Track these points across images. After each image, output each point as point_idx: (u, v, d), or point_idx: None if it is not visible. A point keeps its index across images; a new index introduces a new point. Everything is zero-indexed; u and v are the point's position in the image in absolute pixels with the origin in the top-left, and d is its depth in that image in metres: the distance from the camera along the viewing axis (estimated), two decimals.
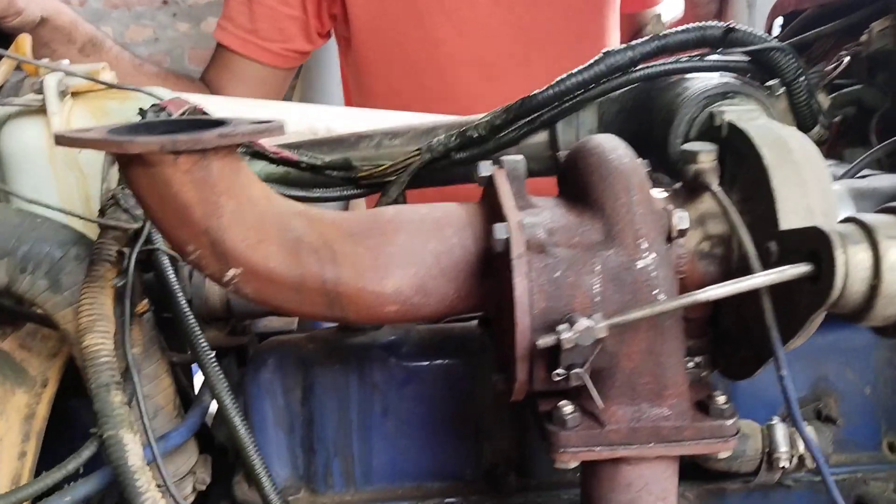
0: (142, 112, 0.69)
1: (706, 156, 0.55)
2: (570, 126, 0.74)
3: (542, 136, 0.75)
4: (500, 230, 0.48)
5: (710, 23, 0.71)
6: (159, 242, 0.64)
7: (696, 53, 0.72)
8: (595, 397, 0.48)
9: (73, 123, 0.73)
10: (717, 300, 0.48)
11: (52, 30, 1.07)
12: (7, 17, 0.96)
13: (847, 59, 0.77)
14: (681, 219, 0.51)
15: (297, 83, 1.74)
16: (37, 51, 0.83)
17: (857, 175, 0.72)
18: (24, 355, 0.72)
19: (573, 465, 0.52)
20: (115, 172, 0.68)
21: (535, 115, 0.73)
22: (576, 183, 0.54)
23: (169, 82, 1.18)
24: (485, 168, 0.55)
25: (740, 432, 0.57)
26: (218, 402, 0.61)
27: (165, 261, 0.64)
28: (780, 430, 0.67)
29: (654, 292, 0.49)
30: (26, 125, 0.73)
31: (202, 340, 0.62)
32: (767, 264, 0.49)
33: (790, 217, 0.51)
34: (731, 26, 0.70)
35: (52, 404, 0.69)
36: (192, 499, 0.67)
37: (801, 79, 0.69)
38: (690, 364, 0.56)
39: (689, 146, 0.56)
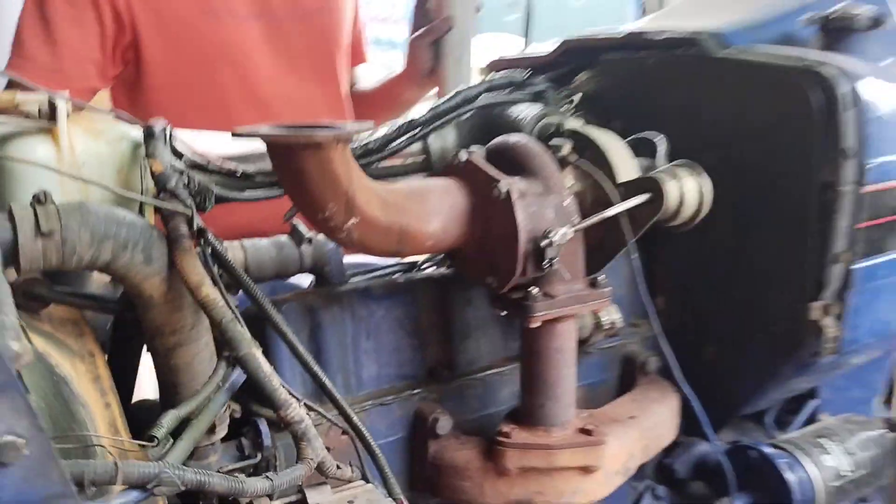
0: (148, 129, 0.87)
1: (567, 146, 0.96)
2: (438, 139, 1.09)
3: (417, 146, 1.09)
4: (503, 185, 0.83)
5: (514, 73, 1.13)
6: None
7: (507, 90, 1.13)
8: (565, 274, 0.86)
9: (74, 139, 0.88)
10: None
11: None
12: None
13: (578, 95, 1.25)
14: (569, 179, 0.91)
15: None
16: None
17: None
18: (61, 335, 0.84)
19: (537, 325, 0.88)
20: (148, 176, 0.85)
21: (415, 131, 1.07)
22: (511, 162, 0.90)
23: None
24: (463, 154, 0.88)
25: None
26: (283, 338, 0.84)
27: (212, 237, 0.84)
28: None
29: (573, 218, 0.88)
30: (36, 141, 0.85)
31: (259, 292, 0.84)
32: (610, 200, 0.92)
33: (622, 174, 0.94)
34: (526, 77, 1.13)
35: (108, 369, 0.83)
36: None
37: (565, 104, 1.14)
38: None
39: (554, 142, 0.96)
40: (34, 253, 0.71)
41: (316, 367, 0.82)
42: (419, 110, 1.08)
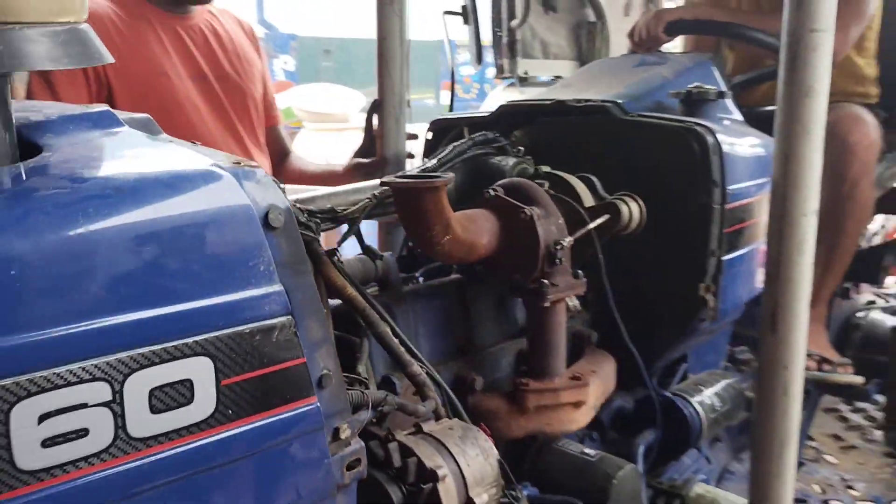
0: None
1: (546, 184, 1.39)
2: None
3: None
4: (528, 211, 1.25)
5: (488, 134, 1.55)
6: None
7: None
8: (569, 268, 1.28)
9: None
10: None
11: None
12: None
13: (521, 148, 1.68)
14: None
15: None
16: None
17: None
18: None
19: (547, 304, 1.29)
20: None
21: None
22: (521, 195, 1.32)
23: None
24: (491, 191, 1.29)
25: None
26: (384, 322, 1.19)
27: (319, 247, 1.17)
28: None
29: (565, 232, 1.31)
30: None
31: (366, 292, 1.19)
32: (586, 220, 1.36)
33: (586, 202, 1.39)
34: (496, 136, 1.55)
35: None
36: None
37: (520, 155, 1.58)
38: None
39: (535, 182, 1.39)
40: None
41: (409, 342, 1.19)
42: (426, 159, 1.47)
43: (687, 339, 1.67)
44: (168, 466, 0.74)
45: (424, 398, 1.13)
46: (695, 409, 1.68)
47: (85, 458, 0.68)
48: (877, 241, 3.10)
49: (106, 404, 0.69)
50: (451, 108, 2.30)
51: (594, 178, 1.49)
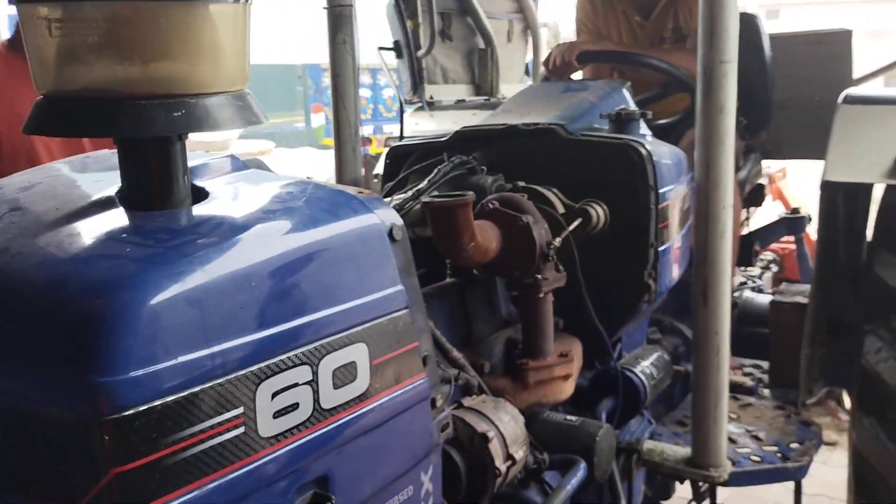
0: None
1: (525, 196, 1.66)
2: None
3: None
4: (525, 219, 1.51)
5: (462, 157, 1.80)
6: None
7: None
8: (558, 265, 1.55)
9: None
10: None
11: None
12: None
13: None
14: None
15: None
16: None
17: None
18: None
19: (542, 296, 1.56)
20: None
21: (423, 194, 1.69)
22: (513, 206, 1.58)
23: None
24: (489, 205, 1.54)
25: None
26: None
27: None
28: None
29: (550, 236, 1.58)
30: None
31: None
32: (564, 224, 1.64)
33: (559, 209, 1.67)
34: (468, 158, 1.81)
35: None
36: None
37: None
38: None
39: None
40: None
41: (439, 334, 1.42)
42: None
43: (634, 320, 1.98)
44: (344, 430, 0.94)
45: (465, 375, 1.36)
46: (640, 378, 2.00)
47: (297, 426, 0.88)
48: (746, 230, 3.59)
49: (308, 383, 0.89)
50: (401, 136, 2.54)
51: (556, 190, 1.78)
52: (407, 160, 2.08)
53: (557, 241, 1.55)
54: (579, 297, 1.73)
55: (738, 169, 2.90)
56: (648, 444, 1.99)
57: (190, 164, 1.04)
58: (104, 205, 0.92)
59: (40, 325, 0.75)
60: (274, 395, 0.85)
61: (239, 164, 1.07)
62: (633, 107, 2.17)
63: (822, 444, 2.60)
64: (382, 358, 1.00)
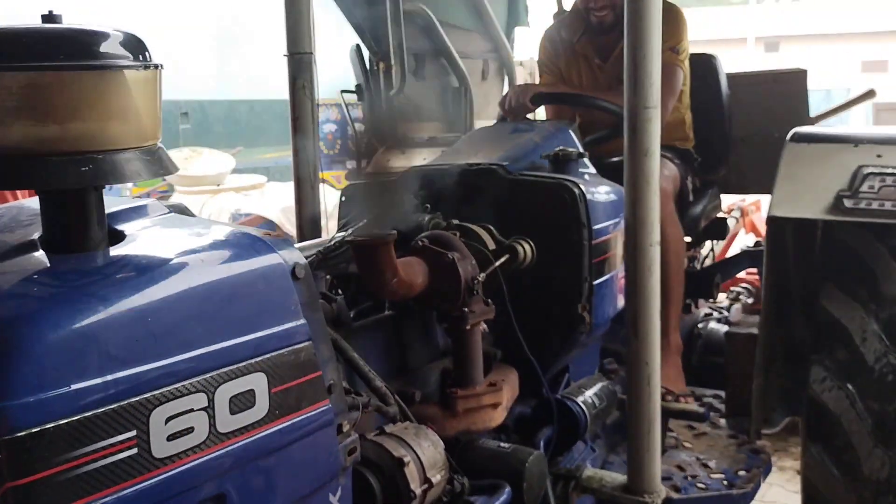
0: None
1: (457, 233, 1.76)
2: None
3: None
4: (450, 255, 1.61)
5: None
6: None
7: None
8: (482, 298, 1.65)
9: None
10: None
11: None
12: None
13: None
14: None
15: None
16: None
17: None
18: None
19: (468, 327, 1.65)
20: None
21: None
22: (441, 243, 1.68)
23: None
24: (419, 242, 1.64)
25: None
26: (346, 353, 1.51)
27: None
28: None
29: (477, 271, 1.68)
30: None
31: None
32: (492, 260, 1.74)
33: (490, 245, 1.77)
34: (409, 200, 1.91)
35: None
36: None
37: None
38: None
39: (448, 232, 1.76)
40: None
41: (367, 367, 1.52)
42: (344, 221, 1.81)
43: (570, 351, 2.07)
44: (241, 453, 1.04)
45: (387, 405, 1.46)
46: (581, 407, 2.08)
47: (192, 448, 0.98)
48: (708, 262, 3.68)
49: (203, 409, 0.99)
50: (358, 175, 2.67)
51: (491, 227, 1.88)
52: (361, 198, 2.19)
53: (482, 276, 1.65)
54: (511, 329, 1.82)
55: (690, 204, 3.00)
56: (588, 472, 2.07)
57: (115, 209, 1.15)
58: (26, 248, 1.03)
59: None
60: (168, 419, 0.95)
61: (160, 209, 1.18)
62: (577, 146, 2.28)
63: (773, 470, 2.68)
64: (282, 386, 1.09)
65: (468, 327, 1.66)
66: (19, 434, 0.81)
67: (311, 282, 1.15)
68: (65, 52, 0.94)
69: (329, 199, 2.49)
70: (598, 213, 1.99)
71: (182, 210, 1.22)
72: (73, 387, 0.86)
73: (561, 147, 2.12)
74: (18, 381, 0.82)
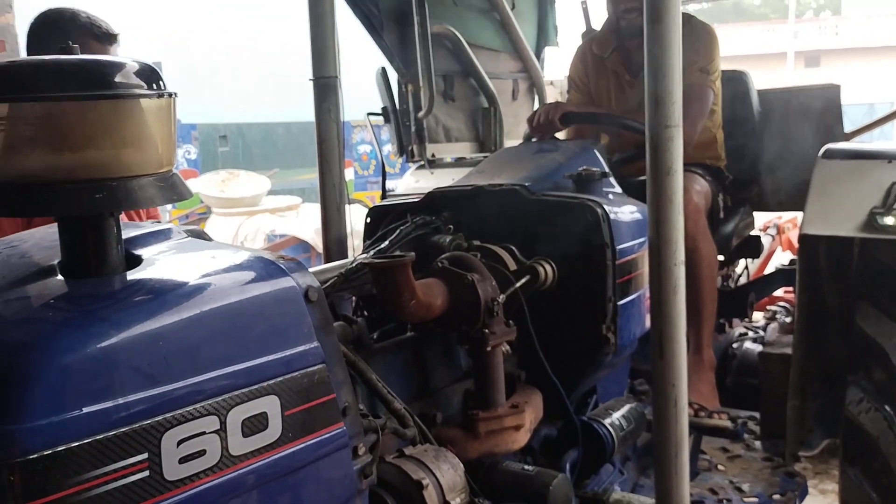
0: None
1: (478, 255, 1.76)
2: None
3: None
4: (470, 277, 1.61)
5: (426, 217, 1.91)
6: None
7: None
8: (503, 319, 1.64)
9: None
10: None
11: None
12: None
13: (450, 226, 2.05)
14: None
15: None
16: None
17: None
18: None
19: (489, 349, 1.65)
20: None
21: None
22: (462, 265, 1.68)
23: None
24: (439, 263, 1.65)
25: None
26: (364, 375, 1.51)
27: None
28: None
29: (497, 292, 1.68)
30: None
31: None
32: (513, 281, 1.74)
33: (510, 265, 1.76)
34: (432, 219, 1.92)
35: None
36: None
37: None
38: None
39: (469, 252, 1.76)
40: None
41: (387, 389, 1.52)
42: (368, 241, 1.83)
43: (595, 372, 2.05)
44: (254, 476, 1.04)
45: (406, 427, 1.45)
46: (607, 429, 2.06)
47: (204, 471, 0.99)
48: (742, 281, 3.62)
49: (215, 432, 1.00)
50: (383, 196, 2.68)
51: (513, 247, 1.88)
52: (385, 219, 2.20)
53: (502, 298, 1.64)
54: (534, 351, 1.81)
55: (721, 222, 2.97)
56: (616, 495, 2.04)
57: (133, 233, 1.17)
58: (45, 273, 1.05)
59: None
60: (180, 442, 0.96)
61: (179, 234, 1.20)
62: (602, 166, 2.27)
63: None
64: (296, 409, 1.10)
65: (489, 348, 1.66)
66: (32, 457, 0.83)
67: (324, 305, 1.16)
68: (81, 82, 0.97)
69: (361, 219, 2.51)
70: (623, 232, 1.98)
71: (200, 234, 1.24)
72: (86, 409, 0.87)
73: (585, 167, 2.11)
74: (31, 405, 0.84)
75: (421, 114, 3.39)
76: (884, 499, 2.34)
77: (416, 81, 3.39)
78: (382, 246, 1.79)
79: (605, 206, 1.95)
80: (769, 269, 4.28)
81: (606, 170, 2.18)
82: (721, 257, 3.05)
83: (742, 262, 3.65)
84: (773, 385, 2.85)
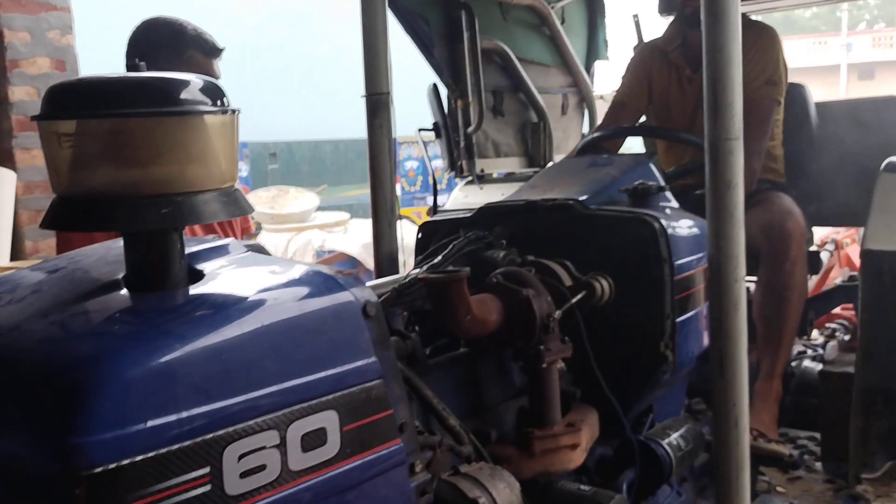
0: None
1: (533, 269, 1.74)
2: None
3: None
4: (524, 292, 1.59)
5: (478, 232, 1.90)
6: None
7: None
8: (559, 336, 1.62)
9: None
10: None
11: None
12: None
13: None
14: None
15: None
16: None
17: None
18: None
19: (545, 366, 1.62)
20: None
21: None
22: (517, 280, 1.66)
23: None
24: (493, 279, 1.63)
25: None
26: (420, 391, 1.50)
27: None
28: None
29: (552, 308, 1.66)
30: None
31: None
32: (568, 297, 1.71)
33: (565, 281, 1.74)
34: (485, 234, 1.91)
35: None
36: None
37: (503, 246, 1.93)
38: None
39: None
40: None
41: (442, 405, 1.51)
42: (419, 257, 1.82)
43: (652, 391, 2.01)
44: (312, 492, 1.04)
45: (461, 445, 1.44)
46: (665, 449, 2.01)
47: (264, 486, 0.98)
48: None
49: (276, 447, 1.00)
50: (434, 211, 2.68)
51: (568, 262, 1.86)
52: (437, 234, 2.20)
53: (558, 314, 1.62)
54: (590, 368, 1.78)
55: None
56: None
57: (196, 248, 1.18)
58: (111, 287, 1.06)
59: (33, 393, 0.88)
60: (241, 456, 0.96)
61: (239, 249, 1.20)
62: (658, 180, 2.24)
63: None
64: (354, 424, 1.09)
65: (544, 365, 1.63)
66: (97, 470, 0.83)
67: (382, 319, 1.15)
68: (147, 99, 0.98)
69: (409, 235, 2.51)
70: (681, 247, 1.94)
71: (259, 249, 1.24)
72: (150, 423, 0.87)
73: (641, 181, 2.08)
74: (97, 418, 0.85)
75: (470, 129, 3.39)
76: None
77: (466, 97, 3.39)
78: (435, 261, 1.78)
79: (663, 221, 1.91)
80: (827, 286, 4.17)
81: (663, 183, 2.15)
82: None
83: None
84: (834, 405, 2.76)
